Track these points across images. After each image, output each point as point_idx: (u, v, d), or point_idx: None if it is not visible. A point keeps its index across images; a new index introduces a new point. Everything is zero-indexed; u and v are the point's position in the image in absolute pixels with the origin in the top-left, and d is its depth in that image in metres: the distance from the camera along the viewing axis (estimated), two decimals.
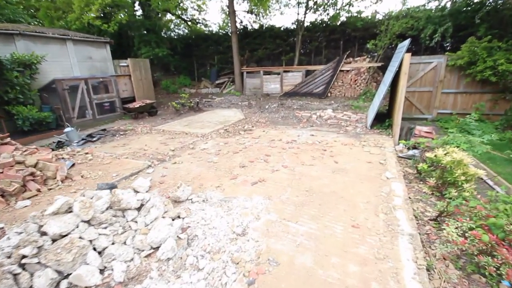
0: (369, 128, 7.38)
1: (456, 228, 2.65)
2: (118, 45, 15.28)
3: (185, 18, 20.28)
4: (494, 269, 2.29)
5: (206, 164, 5.23)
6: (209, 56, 19.18)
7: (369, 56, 13.83)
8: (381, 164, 4.89)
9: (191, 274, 2.47)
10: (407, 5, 12.40)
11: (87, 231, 2.63)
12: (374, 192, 3.87)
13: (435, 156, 3.90)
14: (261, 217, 3.35)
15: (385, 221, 3.17)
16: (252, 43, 17.53)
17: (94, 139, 7.40)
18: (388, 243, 2.80)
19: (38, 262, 2.39)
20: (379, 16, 14.74)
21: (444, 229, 2.76)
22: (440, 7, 11.25)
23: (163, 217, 3.15)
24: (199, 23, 21.05)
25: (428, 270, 2.48)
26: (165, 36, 19.05)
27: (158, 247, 2.72)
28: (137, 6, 16.94)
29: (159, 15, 17.78)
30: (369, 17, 15.15)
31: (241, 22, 18.94)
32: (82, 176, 4.80)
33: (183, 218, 3.29)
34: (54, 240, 2.55)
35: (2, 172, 4.14)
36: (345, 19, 15.73)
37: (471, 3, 10.20)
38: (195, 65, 19.22)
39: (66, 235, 2.55)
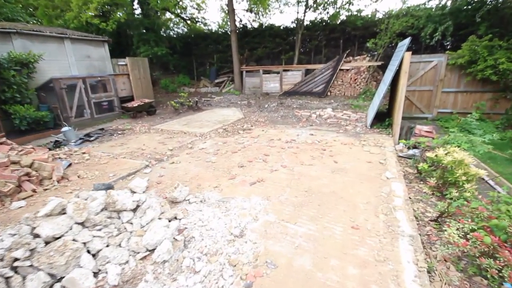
0: (369, 127, 7.33)
1: (458, 229, 2.61)
2: (117, 44, 15.20)
3: (184, 17, 20.19)
4: (496, 271, 2.24)
5: (204, 164, 5.18)
6: (208, 55, 19.11)
7: (369, 55, 13.76)
8: (381, 163, 4.84)
9: (187, 277, 2.42)
10: (407, 4, 12.34)
11: (81, 233, 2.58)
12: (374, 193, 3.82)
13: (436, 155, 3.85)
14: (259, 218, 3.30)
15: (385, 222, 3.12)
16: (252, 42, 17.45)
17: (92, 138, 7.35)
18: (388, 244, 2.75)
19: (31, 265, 2.33)
20: (379, 15, 14.70)
21: (445, 230, 2.71)
22: (440, 5, 11.20)
23: (160, 218, 3.10)
24: (199, 21, 20.96)
25: (428, 272, 2.43)
26: (164, 35, 18.95)
27: (154, 249, 2.66)
28: (136, 5, 16.85)
29: (158, 14, 17.68)
30: (369, 16, 15.09)
31: (241, 21, 18.87)
32: (78, 176, 4.75)
33: (180, 219, 3.24)
34: (47, 243, 2.49)
35: None
36: (345, 18, 15.66)
37: (472, 2, 10.14)
38: (194, 64, 19.14)
39: (59, 237, 2.49)
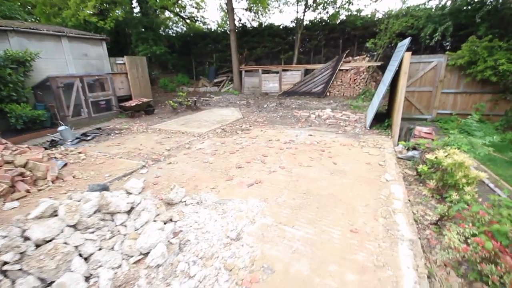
0: (368, 128, 7.27)
1: (458, 234, 2.55)
2: (115, 42, 15.12)
3: (183, 16, 20.10)
4: (498, 277, 2.19)
5: (201, 164, 5.11)
6: (207, 54, 19.03)
7: (368, 55, 13.73)
8: (380, 165, 4.79)
9: (182, 282, 2.36)
10: (407, 4, 12.29)
11: (73, 236, 2.51)
12: (373, 195, 3.77)
13: (436, 157, 3.79)
14: (256, 220, 3.24)
15: (385, 226, 3.07)
16: (251, 42, 17.38)
17: (89, 138, 7.27)
18: (388, 249, 2.70)
19: (20, 269, 2.27)
20: (379, 15, 14.66)
21: (445, 234, 2.66)
22: (440, 6, 11.14)
23: (155, 221, 3.04)
24: (198, 21, 20.88)
25: (428, 277, 2.38)
26: (163, 34, 18.86)
27: (147, 253, 2.60)
28: (134, 3, 16.76)
29: (157, 12, 17.60)
30: (369, 16, 15.05)
31: (240, 20, 18.80)
32: (73, 177, 4.68)
33: (176, 222, 3.18)
34: (38, 246, 2.43)
35: None
36: (344, 18, 15.63)
37: (472, 2, 10.09)
38: (193, 64, 19.05)
39: (50, 241, 2.43)
